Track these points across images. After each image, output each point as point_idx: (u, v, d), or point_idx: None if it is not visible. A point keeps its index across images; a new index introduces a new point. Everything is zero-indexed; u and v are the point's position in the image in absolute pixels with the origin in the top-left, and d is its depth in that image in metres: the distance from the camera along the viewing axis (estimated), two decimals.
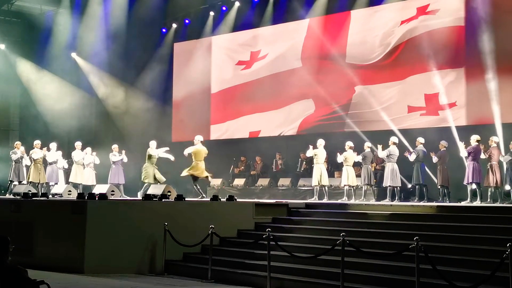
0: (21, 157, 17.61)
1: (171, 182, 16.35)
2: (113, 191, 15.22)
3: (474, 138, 14.26)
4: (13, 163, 17.57)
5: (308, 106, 19.78)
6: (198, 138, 15.65)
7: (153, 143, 16.46)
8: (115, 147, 18.38)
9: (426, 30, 17.42)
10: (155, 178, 16.01)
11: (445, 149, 15.23)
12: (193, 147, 15.40)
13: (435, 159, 15.10)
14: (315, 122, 19.60)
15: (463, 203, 13.77)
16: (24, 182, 17.37)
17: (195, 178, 15.38)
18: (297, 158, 19.62)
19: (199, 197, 15.03)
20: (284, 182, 18.71)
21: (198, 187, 15.40)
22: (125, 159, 18.09)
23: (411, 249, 8.43)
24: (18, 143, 18.41)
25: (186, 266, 11.91)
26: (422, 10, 17.63)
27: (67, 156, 19.14)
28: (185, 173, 15.38)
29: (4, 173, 19.21)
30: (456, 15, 16.98)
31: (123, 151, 18.13)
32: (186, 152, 15.40)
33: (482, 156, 14.06)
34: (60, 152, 18.47)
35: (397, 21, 18.12)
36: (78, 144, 18.52)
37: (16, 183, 17.35)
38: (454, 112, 16.68)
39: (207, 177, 15.70)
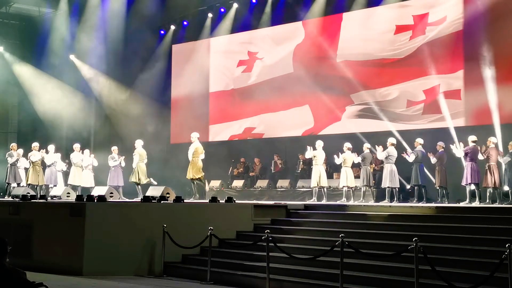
0: (17, 159, 17.56)
1: (170, 184, 16.34)
2: (111, 193, 15.21)
3: (470, 139, 14.26)
4: (9, 165, 17.51)
5: (307, 108, 19.76)
6: (195, 135, 15.81)
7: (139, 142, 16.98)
8: (114, 149, 18.28)
9: (425, 32, 17.42)
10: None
11: (443, 150, 15.21)
12: (193, 146, 15.58)
13: (433, 160, 15.08)
14: (315, 124, 19.61)
15: (462, 204, 13.76)
16: (23, 184, 17.33)
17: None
18: (296, 159, 19.62)
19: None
20: (283, 183, 18.69)
21: (205, 182, 15.70)
22: (123, 164, 18.00)
23: (410, 250, 8.41)
24: (14, 145, 18.34)
25: (185, 268, 11.89)
26: (421, 16, 17.62)
27: (66, 158, 19.09)
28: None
29: (2, 175, 19.16)
30: (455, 19, 16.97)
31: (121, 157, 18.01)
32: (190, 155, 15.61)
33: (480, 157, 14.05)
34: (58, 154, 18.38)
35: (396, 23, 18.11)
36: (76, 146, 18.45)
37: (14, 185, 17.30)
38: (452, 113, 16.69)
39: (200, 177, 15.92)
